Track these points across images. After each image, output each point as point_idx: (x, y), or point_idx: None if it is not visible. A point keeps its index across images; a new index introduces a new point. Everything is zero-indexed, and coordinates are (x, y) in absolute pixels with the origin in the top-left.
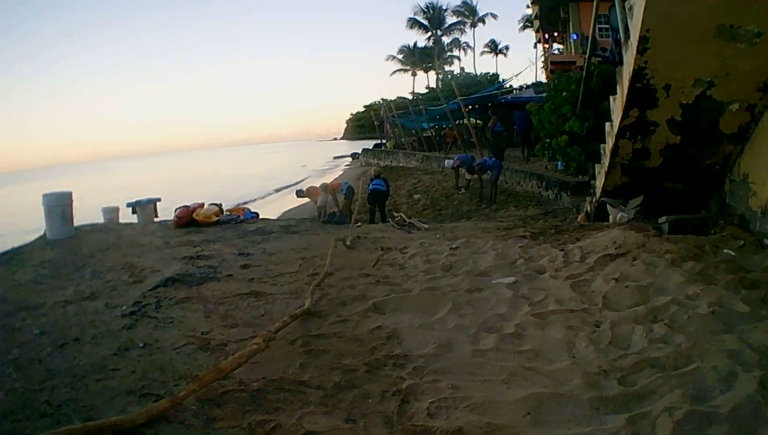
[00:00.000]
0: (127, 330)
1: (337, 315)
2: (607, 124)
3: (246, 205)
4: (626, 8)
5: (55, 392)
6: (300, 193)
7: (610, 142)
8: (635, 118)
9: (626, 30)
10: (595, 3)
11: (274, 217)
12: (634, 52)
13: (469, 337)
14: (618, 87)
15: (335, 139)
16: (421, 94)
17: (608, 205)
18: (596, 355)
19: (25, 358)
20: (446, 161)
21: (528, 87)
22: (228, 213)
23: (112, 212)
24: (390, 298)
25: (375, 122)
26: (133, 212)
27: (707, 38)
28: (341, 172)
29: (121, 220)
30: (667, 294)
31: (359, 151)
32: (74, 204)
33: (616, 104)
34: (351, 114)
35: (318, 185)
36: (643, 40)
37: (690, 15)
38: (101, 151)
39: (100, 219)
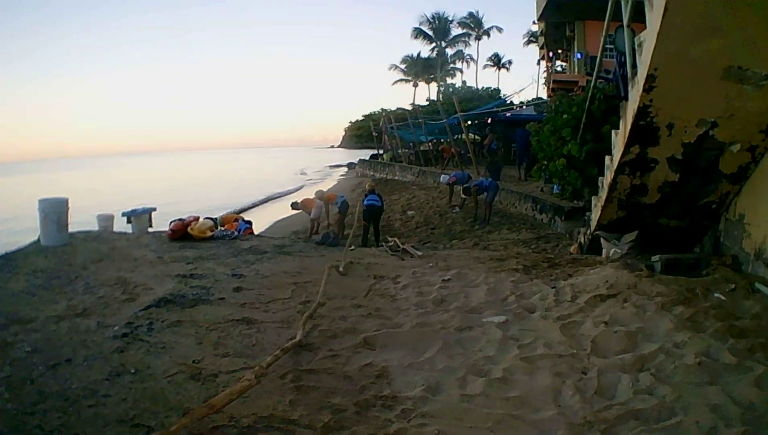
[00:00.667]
0: (119, 353)
1: (328, 349)
2: (607, 157)
3: (239, 214)
4: (635, 44)
5: (47, 416)
6: (294, 206)
7: (609, 176)
8: (635, 155)
9: (634, 66)
10: (603, 33)
11: (267, 225)
12: (641, 89)
13: (457, 380)
14: (621, 122)
15: (332, 147)
16: (422, 106)
17: (602, 239)
18: (582, 404)
19: (17, 377)
20: (442, 177)
21: (529, 103)
22: (222, 228)
23: (106, 220)
24: (381, 334)
25: (373, 133)
26: (128, 222)
27: (714, 79)
28: (335, 183)
29: (115, 228)
30: (656, 341)
31: (356, 161)
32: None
33: (618, 139)
34: (349, 122)
35: (313, 194)
36: (650, 78)
37: (700, 56)
38: (94, 147)
39: (82, 214)
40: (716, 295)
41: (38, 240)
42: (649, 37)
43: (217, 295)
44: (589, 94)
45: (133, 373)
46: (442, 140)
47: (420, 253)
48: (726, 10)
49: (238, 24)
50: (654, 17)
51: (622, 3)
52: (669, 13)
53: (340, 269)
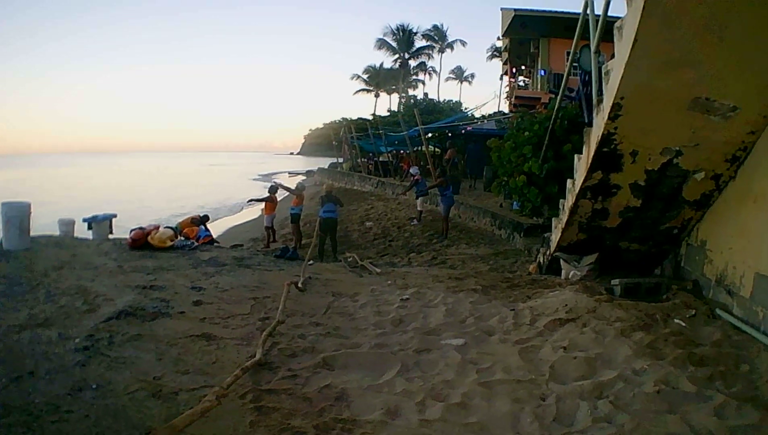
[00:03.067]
0: (81, 367)
1: (287, 368)
2: (569, 181)
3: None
4: (603, 72)
5: (11, 431)
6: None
7: (570, 199)
8: (598, 180)
9: (600, 93)
10: (570, 57)
11: (222, 230)
12: (606, 117)
13: (416, 404)
14: (584, 147)
15: (291, 153)
16: (383, 117)
17: (562, 261)
18: (540, 432)
19: None
20: (413, 168)
21: (490, 117)
22: (182, 238)
23: (67, 225)
24: (340, 354)
25: (333, 142)
26: (89, 228)
27: (681, 110)
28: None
29: (76, 234)
30: (615, 368)
31: (315, 169)
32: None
33: (580, 164)
34: (309, 129)
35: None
36: (616, 106)
37: (667, 87)
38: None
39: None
40: (676, 320)
41: (0, 244)
42: (616, 67)
43: (177, 308)
44: (554, 113)
45: (94, 389)
46: (402, 151)
47: (379, 271)
48: (695, 43)
49: (204, 28)
50: (623, 47)
51: (590, 25)
52: (638, 44)
53: (299, 285)
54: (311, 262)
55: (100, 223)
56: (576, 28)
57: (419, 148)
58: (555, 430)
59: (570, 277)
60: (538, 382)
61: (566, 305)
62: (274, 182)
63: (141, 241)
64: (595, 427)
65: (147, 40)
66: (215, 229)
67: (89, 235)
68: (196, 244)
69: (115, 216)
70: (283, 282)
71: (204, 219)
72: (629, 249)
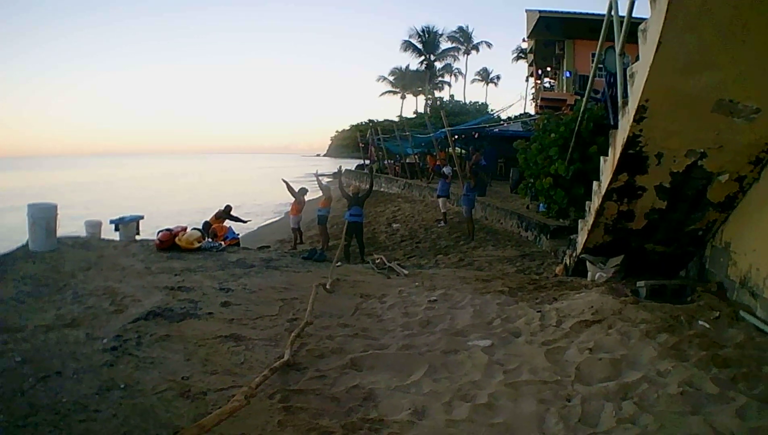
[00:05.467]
0: (109, 367)
1: (316, 369)
2: (595, 183)
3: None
4: (627, 74)
5: (39, 430)
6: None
7: (596, 201)
8: (623, 182)
9: (624, 94)
10: (596, 59)
11: (253, 227)
12: (631, 119)
13: (443, 404)
14: (610, 149)
15: (318, 155)
16: (409, 119)
17: (588, 262)
18: (565, 432)
19: (8, 388)
20: (445, 168)
21: (516, 118)
22: (209, 240)
23: (94, 226)
24: (367, 355)
25: (360, 144)
26: (116, 229)
27: (705, 112)
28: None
29: (103, 235)
30: (639, 369)
31: (341, 170)
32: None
33: (606, 166)
34: (336, 131)
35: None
36: (641, 109)
37: (691, 89)
38: (82, 145)
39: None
40: (700, 322)
41: (26, 244)
42: (641, 69)
43: (205, 309)
44: (580, 114)
45: (122, 389)
46: (430, 151)
47: (406, 272)
48: (719, 46)
49: (228, 29)
50: (647, 50)
51: (615, 26)
52: (662, 47)
53: (327, 287)
54: (339, 263)
55: (127, 224)
56: (600, 29)
57: (446, 149)
58: (580, 430)
59: (596, 278)
60: (564, 383)
61: (592, 307)
62: (317, 178)
63: (168, 243)
64: (620, 428)
65: (169, 39)
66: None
67: (116, 236)
68: (223, 245)
69: (142, 217)
70: (311, 283)
71: (227, 209)
72: (654, 251)
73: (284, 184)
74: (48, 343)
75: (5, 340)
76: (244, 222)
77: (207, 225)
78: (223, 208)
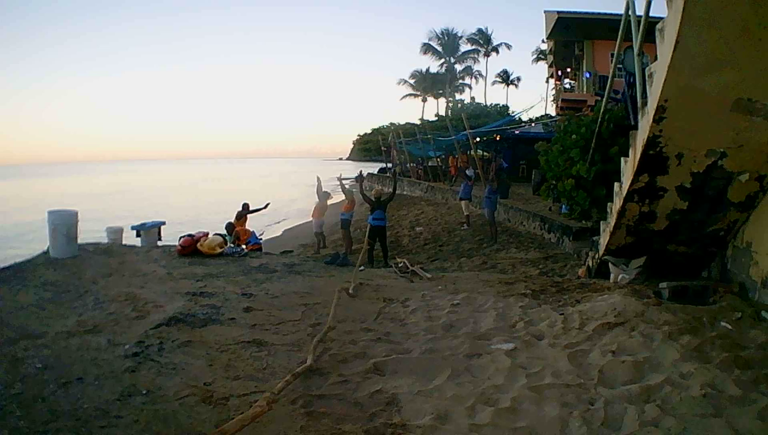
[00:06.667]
0: (130, 373)
1: (338, 374)
2: (616, 184)
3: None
4: (646, 74)
5: None
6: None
7: (618, 203)
8: (645, 183)
9: (644, 95)
10: (614, 59)
11: (277, 232)
12: (651, 120)
13: (466, 408)
14: (630, 150)
15: (340, 159)
16: (430, 122)
17: (610, 264)
18: None
19: (29, 394)
20: (468, 170)
21: (537, 120)
22: (232, 245)
23: (115, 233)
24: (390, 359)
25: (382, 147)
26: (138, 235)
27: (724, 111)
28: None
29: (124, 241)
30: (662, 371)
31: (364, 175)
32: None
33: (627, 167)
34: (358, 135)
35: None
36: (660, 109)
37: (710, 88)
38: (93, 153)
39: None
40: (722, 324)
41: (47, 251)
42: (659, 69)
43: (227, 314)
44: (600, 115)
45: (144, 394)
46: (452, 154)
47: (429, 276)
48: (736, 44)
49: (244, 30)
50: (665, 49)
51: (633, 26)
52: (680, 46)
53: (350, 291)
54: (362, 267)
55: (149, 230)
56: (618, 29)
57: (468, 152)
58: (603, 434)
59: (618, 280)
60: (587, 386)
61: (615, 309)
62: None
63: (190, 248)
64: (643, 431)
65: (189, 42)
66: (271, 229)
67: (138, 242)
68: (245, 250)
69: (163, 223)
70: (334, 288)
71: (245, 207)
72: (676, 252)
73: (338, 183)
74: (69, 350)
75: (26, 346)
76: (264, 207)
77: (231, 226)
78: (241, 208)
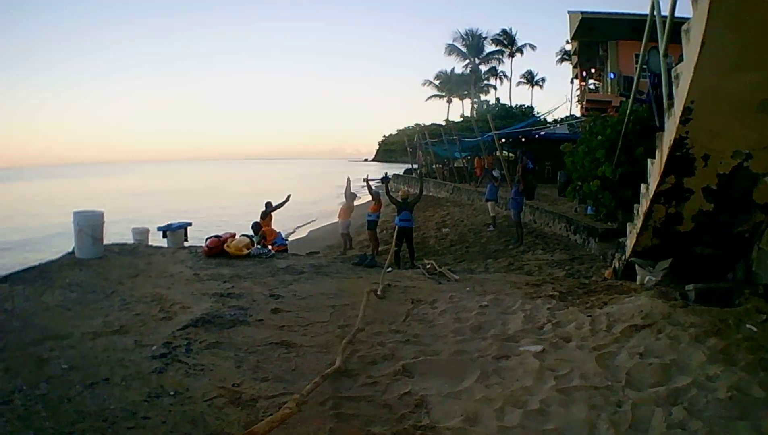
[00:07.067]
0: (158, 374)
1: (367, 376)
2: (643, 185)
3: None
4: (672, 75)
5: None
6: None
7: (644, 204)
8: (671, 185)
9: (670, 96)
10: (640, 60)
11: (303, 233)
12: (677, 121)
13: (495, 410)
14: (657, 152)
15: (366, 160)
16: (456, 123)
17: (637, 266)
18: None
19: (55, 394)
20: (495, 171)
21: (562, 121)
22: (259, 246)
23: (142, 234)
24: (419, 361)
25: (408, 148)
26: (164, 236)
27: (750, 112)
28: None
29: (149, 242)
30: (689, 374)
31: (390, 176)
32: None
33: (654, 169)
34: (383, 136)
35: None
36: (686, 110)
37: (735, 89)
38: (120, 153)
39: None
40: (748, 326)
41: (72, 252)
42: (685, 70)
43: (255, 316)
44: (626, 116)
45: (172, 395)
46: (478, 155)
47: (457, 277)
48: (761, 45)
49: (269, 32)
50: (691, 50)
51: (658, 27)
52: (705, 47)
53: (378, 293)
54: (390, 269)
55: (175, 231)
56: (643, 30)
57: (494, 153)
58: None
59: (645, 282)
60: (615, 388)
61: (642, 311)
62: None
63: (217, 249)
64: (669, 434)
65: (213, 43)
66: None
67: (164, 243)
68: (272, 252)
69: (190, 224)
70: (362, 289)
71: (268, 205)
72: (702, 253)
73: (366, 184)
74: (95, 350)
75: (51, 346)
76: (286, 200)
77: (257, 226)
78: (264, 207)
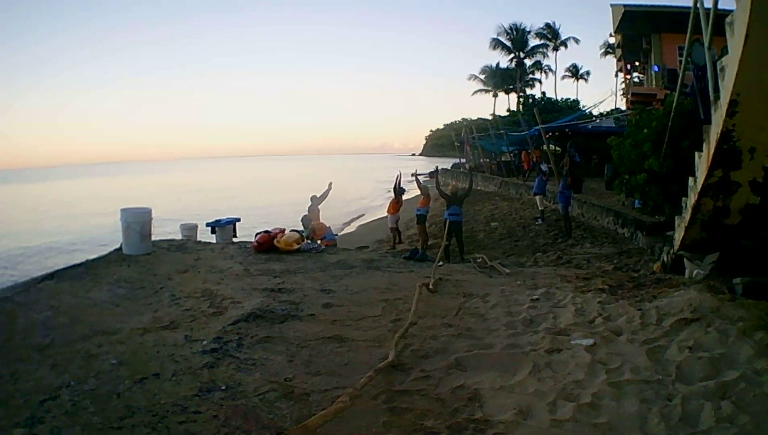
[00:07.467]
0: (209, 369)
1: (420, 369)
2: (690, 178)
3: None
4: (717, 68)
5: (135, 432)
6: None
7: (692, 198)
8: (719, 178)
9: (716, 89)
10: (684, 53)
11: (352, 228)
12: (723, 114)
13: (547, 404)
14: (704, 145)
15: (413, 154)
16: (502, 117)
17: (685, 259)
18: (666, 432)
19: (103, 390)
20: (543, 165)
21: (608, 114)
22: (308, 241)
23: (190, 230)
24: (472, 355)
25: (455, 143)
26: (213, 232)
27: None
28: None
29: (197, 238)
30: (737, 368)
31: (436, 170)
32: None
33: (701, 162)
34: (430, 130)
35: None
36: (733, 103)
37: None
38: (161, 151)
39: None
40: None
41: (120, 248)
42: (731, 63)
43: (306, 310)
44: (672, 109)
45: (223, 390)
46: (525, 149)
47: (508, 271)
48: None
49: (314, 31)
50: (735, 43)
51: (702, 19)
52: (750, 40)
53: (430, 286)
54: (441, 263)
55: (224, 227)
56: (685, 22)
57: (541, 147)
58: (680, 430)
59: (693, 275)
60: (665, 382)
61: (691, 305)
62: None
63: (267, 245)
64: (719, 428)
65: (275, 50)
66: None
67: (212, 239)
68: (322, 247)
69: (239, 220)
70: (414, 283)
71: (313, 199)
72: (750, 247)
73: (414, 179)
74: (145, 346)
75: (99, 342)
76: (328, 189)
77: (308, 220)
78: (310, 202)
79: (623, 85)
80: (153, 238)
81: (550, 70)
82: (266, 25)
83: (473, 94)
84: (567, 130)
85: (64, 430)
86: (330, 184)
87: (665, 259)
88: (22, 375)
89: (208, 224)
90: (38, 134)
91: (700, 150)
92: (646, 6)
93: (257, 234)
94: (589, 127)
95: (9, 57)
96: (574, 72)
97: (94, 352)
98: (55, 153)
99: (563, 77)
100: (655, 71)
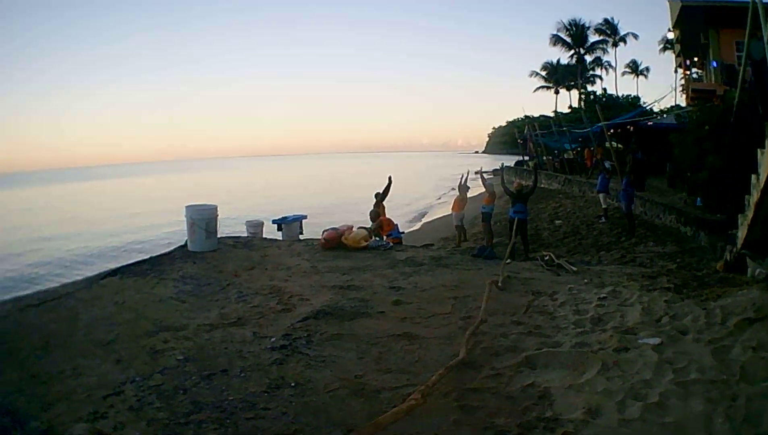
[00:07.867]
0: (278, 366)
1: (491, 367)
2: (753, 176)
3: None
4: None
5: (202, 427)
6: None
7: (755, 195)
8: None
9: None
10: (745, 48)
11: (417, 226)
12: None
13: (616, 403)
14: (767, 141)
15: (476, 152)
16: (563, 114)
17: (747, 258)
18: (731, 432)
19: (169, 385)
20: (606, 162)
21: (669, 110)
22: (376, 239)
23: (256, 227)
24: (541, 353)
25: (518, 140)
26: (279, 229)
27: None
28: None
29: (263, 235)
30: None
31: (501, 168)
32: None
33: (764, 159)
34: (493, 128)
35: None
36: None
37: None
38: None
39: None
40: None
41: (185, 245)
42: None
43: (376, 308)
44: (734, 105)
45: (293, 387)
46: (588, 147)
47: (575, 269)
48: None
49: (379, 30)
50: None
51: (760, 14)
52: None
53: (499, 284)
54: (509, 261)
55: (290, 224)
56: (743, 17)
57: (604, 144)
58: (745, 430)
59: (756, 275)
60: (730, 382)
61: (754, 304)
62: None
63: (334, 242)
64: None
65: (336, 54)
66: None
67: (278, 236)
68: (390, 244)
69: (305, 217)
70: (482, 281)
71: (377, 196)
72: None
73: (479, 177)
74: (212, 342)
75: (165, 338)
76: (389, 183)
77: (375, 214)
78: (375, 199)
79: (682, 81)
80: (219, 234)
81: (610, 66)
82: (329, 18)
83: (535, 90)
84: (629, 126)
85: (129, 426)
86: (390, 177)
87: (728, 258)
88: (85, 370)
89: (274, 221)
90: (81, 134)
91: (762, 146)
92: (704, 1)
93: (324, 231)
94: (650, 124)
95: (65, 61)
96: (634, 68)
97: (159, 347)
98: (97, 152)
99: (623, 73)
100: (714, 67)
